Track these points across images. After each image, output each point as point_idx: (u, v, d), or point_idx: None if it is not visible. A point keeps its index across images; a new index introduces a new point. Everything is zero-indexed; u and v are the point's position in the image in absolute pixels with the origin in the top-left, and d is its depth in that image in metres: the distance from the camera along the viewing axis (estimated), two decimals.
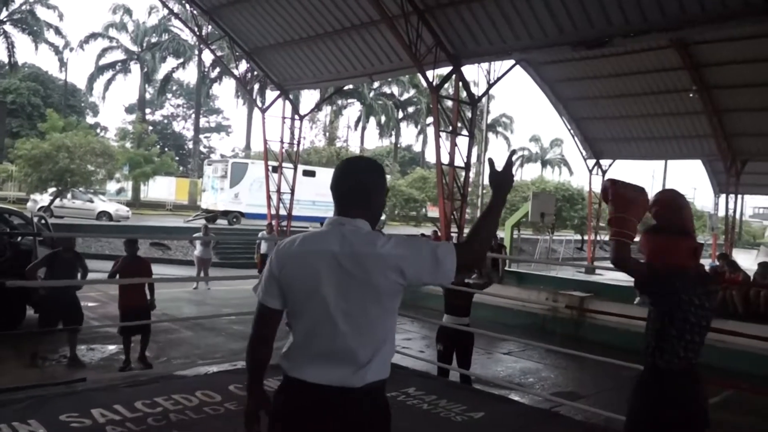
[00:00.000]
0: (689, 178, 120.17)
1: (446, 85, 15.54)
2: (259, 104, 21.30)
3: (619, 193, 2.70)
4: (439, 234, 15.39)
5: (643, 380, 2.77)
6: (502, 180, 2.16)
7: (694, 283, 2.69)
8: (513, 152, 2.33)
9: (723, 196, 24.87)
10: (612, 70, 19.17)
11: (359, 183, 2.13)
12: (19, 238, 8.92)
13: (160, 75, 43.40)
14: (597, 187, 23.75)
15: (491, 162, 2.20)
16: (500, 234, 19.99)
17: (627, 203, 2.71)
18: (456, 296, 6.31)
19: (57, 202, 23.82)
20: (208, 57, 39.68)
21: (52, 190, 23.38)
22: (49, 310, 6.96)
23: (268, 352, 2.19)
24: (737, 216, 28.52)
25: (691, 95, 18.85)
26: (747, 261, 21.04)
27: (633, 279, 2.82)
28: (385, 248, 2.00)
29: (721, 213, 25.82)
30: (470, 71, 17.37)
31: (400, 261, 1.99)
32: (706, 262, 13.65)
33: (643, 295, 2.93)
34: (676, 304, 2.64)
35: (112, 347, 7.39)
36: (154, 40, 41.87)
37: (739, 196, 26.16)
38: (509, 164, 2.17)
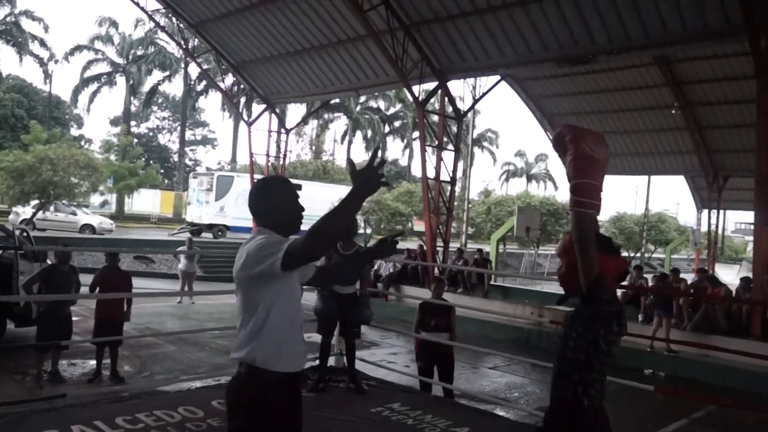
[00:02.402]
0: (672, 194, 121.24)
1: (432, 100, 15.64)
2: (246, 117, 21.28)
3: (587, 154, 2.19)
4: (425, 248, 15.41)
5: (566, 420, 2.38)
6: (360, 178, 2.11)
7: (621, 310, 2.37)
8: (377, 149, 2.23)
9: (705, 212, 25.16)
10: (596, 86, 19.40)
11: (249, 203, 2.57)
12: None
13: (145, 87, 43.25)
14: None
15: (350, 162, 2.22)
16: (486, 248, 20.05)
17: (598, 167, 2.21)
18: (428, 315, 6.28)
19: (39, 214, 23.53)
20: (194, 70, 39.74)
21: (34, 202, 23.10)
22: (47, 326, 6.81)
23: None
24: (719, 231, 28.85)
25: (673, 112, 19.11)
26: (729, 276, 21.28)
27: (562, 275, 2.42)
28: (244, 246, 2.39)
29: (704, 228, 26.09)
30: (456, 86, 17.52)
31: (244, 255, 2.35)
32: (689, 278, 13.75)
33: (575, 307, 2.42)
34: (608, 331, 2.29)
35: (93, 362, 7.27)
36: (140, 52, 41.77)
37: (722, 212, 26.49)
38: (371, 163, 2.11)
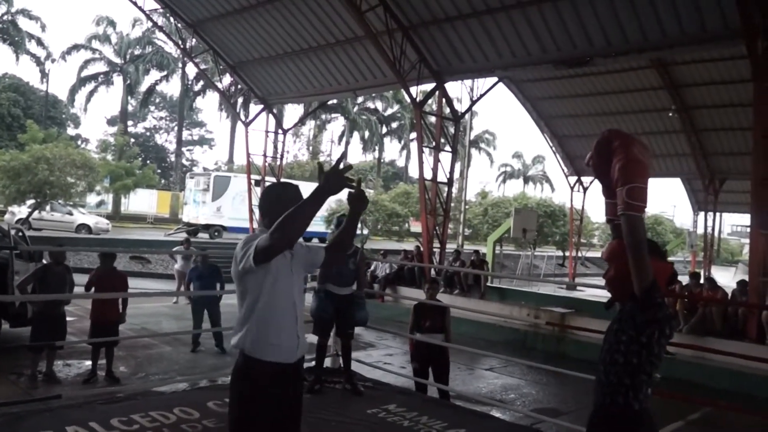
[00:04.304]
0: (668, 196, 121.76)
1: (430, 102, 15.66)
2: (243, 118, 21.26)
3: (638, 159, 2.27)
4: (422, 249, 15.40)
5: (617, 424, 2.35)
6: (328, 178, 2.35)
7: (671, 314, 2.37)
8: (344, 154, 2.42)
9: (702, 214, 25.21)
10: (593, 88, 19.43)
11: (261, 203, 2.83)
12: None
13: (143, 87, 43.18)
14: (578, 204, 24.02)
15: (319, 164, 2.45)
16: (482, 249, 20.06)
17: (646, 171, 2.27)
18: (423, 316, 6.25)
19: (35, 214, 23.46)
20: (191, 70, 39.71)
21: (30, 202, 23.04)
22: (40, 326, 6.78)
23: None
24: (716, 234, 28.89)
25: (670, 114, 19.15)
26: (725, 278, 21.29)
27: (612, 280, 2.42)
28: (238, 245, 2.62)
29: (700, 230, 26.14)
30: (453, 88, 17.51)
31: (235, 252, 2.59)
32: (685, 280, 13.76)
33: (629, 312, 2.37)
34: (661, 334, 2.30)
35: (88, 363, 7.24)
36: (137, 52, 41.71)
37: (718, 214, 26.55)
38: (337, 165, 2.37)
